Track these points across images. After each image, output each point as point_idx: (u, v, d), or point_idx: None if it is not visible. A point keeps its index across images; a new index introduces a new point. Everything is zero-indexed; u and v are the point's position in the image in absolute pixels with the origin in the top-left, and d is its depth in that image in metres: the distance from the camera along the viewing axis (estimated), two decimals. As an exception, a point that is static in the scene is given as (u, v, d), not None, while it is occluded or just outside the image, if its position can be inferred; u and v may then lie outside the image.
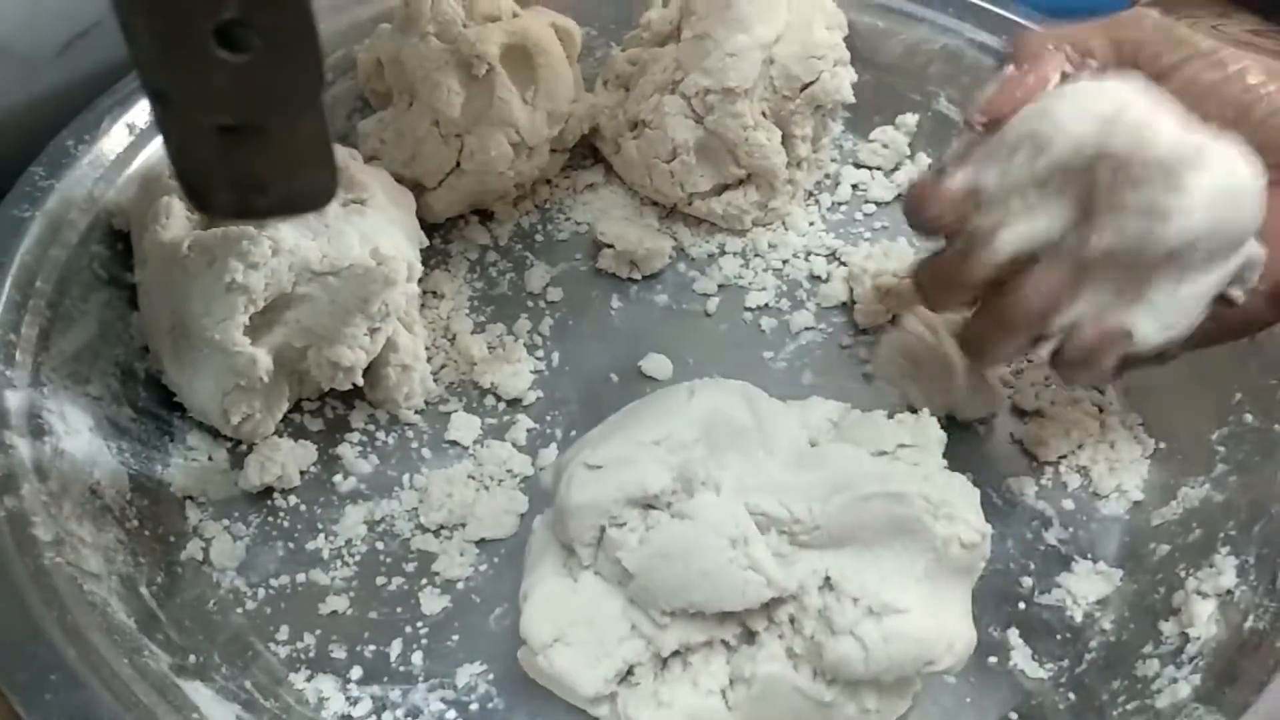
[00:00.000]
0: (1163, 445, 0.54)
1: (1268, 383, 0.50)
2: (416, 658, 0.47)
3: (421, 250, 0.56)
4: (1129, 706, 0.42)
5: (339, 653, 0.47)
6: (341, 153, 0.55)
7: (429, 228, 0.59)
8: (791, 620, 0.42)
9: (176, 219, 0.50)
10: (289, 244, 0.49)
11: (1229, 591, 0.44)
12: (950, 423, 0.56)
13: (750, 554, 0.40)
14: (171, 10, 0.26)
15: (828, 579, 0.41)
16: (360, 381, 0.53)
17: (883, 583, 0.41)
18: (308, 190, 0.31)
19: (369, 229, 0.52)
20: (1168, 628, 0.45)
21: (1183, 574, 0.46)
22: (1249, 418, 0.50)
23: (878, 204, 0.67)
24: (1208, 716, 0.39)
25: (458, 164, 0.60)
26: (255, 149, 0.28)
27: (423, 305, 0.59)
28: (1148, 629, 0.45)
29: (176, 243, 0.49)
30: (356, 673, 0.47)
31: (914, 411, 0.45)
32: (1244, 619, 0.42)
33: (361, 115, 0.63)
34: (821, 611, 0.41)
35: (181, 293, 0.49)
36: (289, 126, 0.29)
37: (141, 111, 0.57)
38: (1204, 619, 0.43)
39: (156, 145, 0.57)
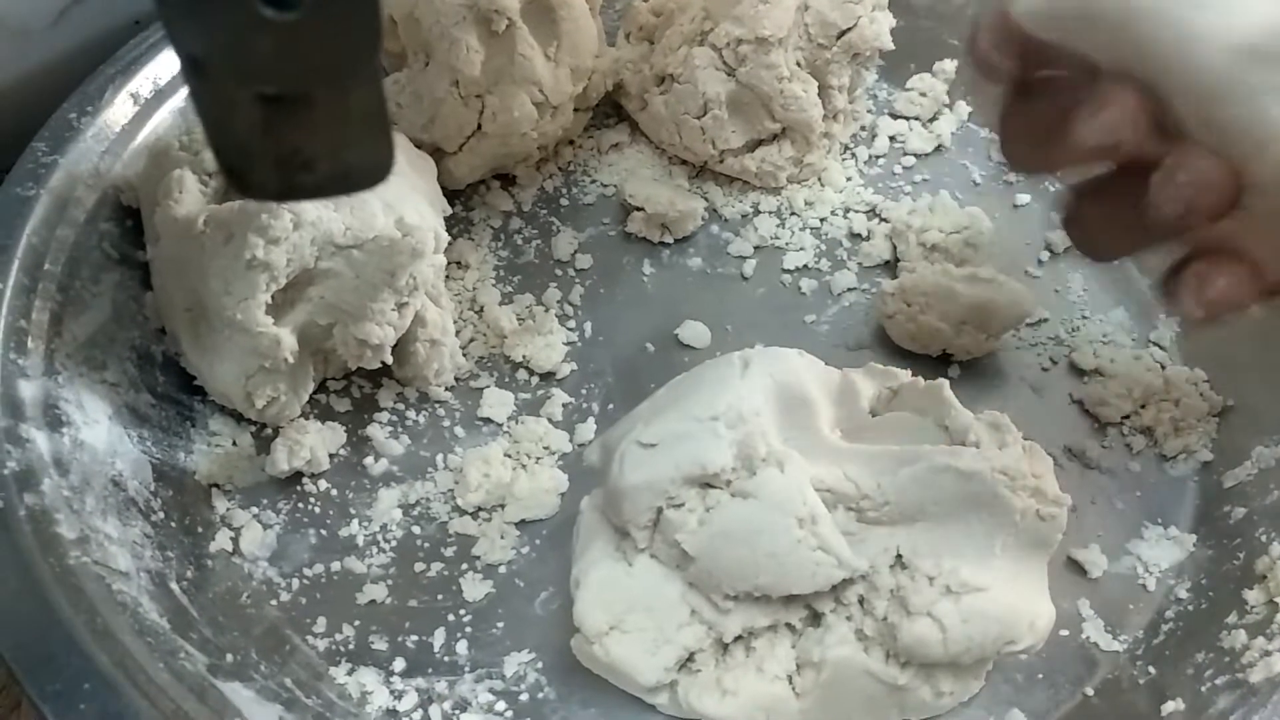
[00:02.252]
0: (1231, 403, 0.51)
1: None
2: (461, 647, 0.45)
3: (445, 219, 0.53)
4: (1219, 681, 0.40)
5: (380, 644, 0.45)
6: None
7: (450, 194, 0.56)
8: (861, 601, 0.40)
9: (190, 193, 0.47)
10: (311, 217, 0.46)
11: (1320, 557, 0.42)
12: (1005, 383, 0.54)
13: (819, 533, 0.38)
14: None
15: (899, 557, 0.39)
16: (389, 359, 0.50)
17: (959, 559, 0.38)
18: (360, 166, 0.28)
19: (393, 198, 0.49)
20: (1253, 596, 0.42)
21: (1264, 538, 0.44)
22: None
23: (917, 156, 0.64)
24: (1312, 693, 0.37)
25: (479, 126, 0.57)
26: (302, 121, 0.25)
27: (448, 277, 0.56)
28: (1230, 598, 0.43)
29: (191, 218, 0.46)
30: (400, 664, 0.45)
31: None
32: (1340, 586, 0.40)
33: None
34: (895, 591, 0.39)
35: (198, 271, 0.46)
36: (340, 95, 0.26)
37: (146, 80, 0.54)
38: (1294, 587, 0.41)
39: (163, 115, 0.54)
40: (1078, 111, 0.33)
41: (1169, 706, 0.40)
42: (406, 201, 0.49)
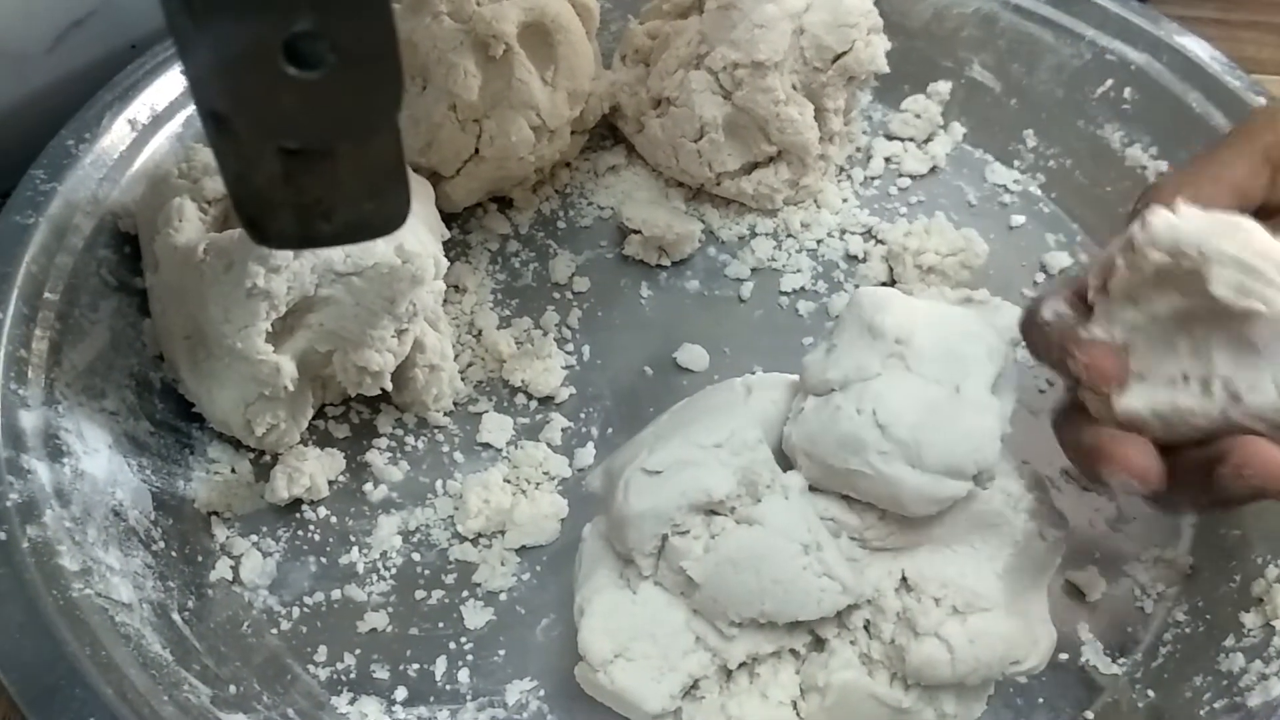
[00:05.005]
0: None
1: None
2: (463, 675, 0.45)
3: (443, 243, 0.53)
4: (1217, 705, 0.40)
5: (381, 673, 0.45)
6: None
7: (447, 218, 0.56)
8: (866, 625, 0.40)
9: (190, 221, 0.47)
10: (311, 244, 0.46)
11: (1316, 580, 0.42)
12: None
13: (824, 559, 0.38)
14: (240, 24, 0.23)
15: (904, 580, 0.39)
16: (389, 386, 0.50)
17: (964, 580, 0.39)
18: (378, 214, 0.28)
19: (392, 224, 0.49)
20: (1250, 619, 0.43)
21: (1260, 561, 0.45)
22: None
23: (912, 177, 0.65)
24: (1311, 719, 0.37)
25: (476, 150, 0.58)
26: (321, 173, 0.25)
27: (445, 301, 0.56)
28: (1228, 620, 0.43)
29: (191, 246, 0.46)
30: (401, 693, 0.44)
31: None
32: (1338, 609, 0.41)
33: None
34: (901, 614, 0.39)
35: (198, 299, 0.46)
36: (361, 148, 0.26)
37: (143, 106, 0.54)
38: (1292, 610, 0.41)
39: (161, 141, 0.54)
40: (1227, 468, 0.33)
41: (1169, 731, 0.41)
42: (406, 228, 0.49)
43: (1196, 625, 0.45)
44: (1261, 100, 0.57)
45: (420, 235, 0.50)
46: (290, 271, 0.45)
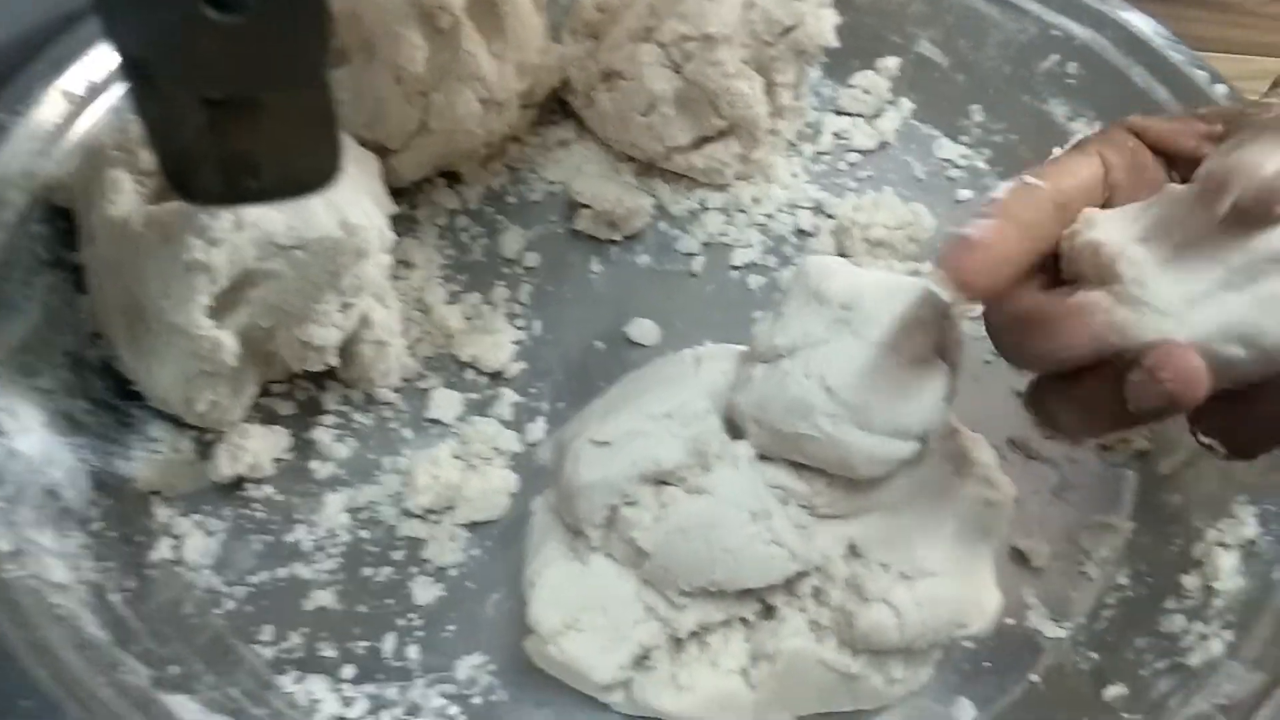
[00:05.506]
0: (1166, 392, 0.53)
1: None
2: (412, 651, 0.45)
3: (390, 217, 0.52)
4: (1159, 665, 0.41)
5: (329, 651, 0.44)
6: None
7: (394, 193, 0.55)
8: (815, 593, 0.40)
9: (126, 193, 0.46)
10: (252, 217, 0.45)
11: (1251, 542, 0.43)
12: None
13: (773, 527, 0.38)
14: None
15: (853, 547, 0.39)
16: (334, 361, 0.49)
17: (912, 546, 0.39)
18: (307, 171, 0.27)
19: (335, 197, 0.47)
20: (1189, 581, 0.44)
21: (1200, 524, 0.45)
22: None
23: (861, 152, 0.65)
24: (1247, 675, 0.38)
25: (423, 124, 0.57)
26: (248, 125, 0.25)
27: (393, 276, 0.55)
28: (1168, 583, 0.44)
29: (127, 219, 0.45)
30: (349, 671, 0.44)
31: None
32: (1270, 570, 0.41)
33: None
34: (849, 580, 0.39)
35: (135, 273, 0.45)
36: (288, 99, 0.25)
37: (77, 78, 0.52)
38: (1227, 571, 0.42)
39: (98, 114, 0.52)
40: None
41: (1111, 691, 0.41)
42: (350, 200, 0.48)
43: (1138, 589, 0.46)
44: (1203, 74, 0.58)
45: (365, 208, 0.49)
46: (231, 244, 0.44)
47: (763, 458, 0.40)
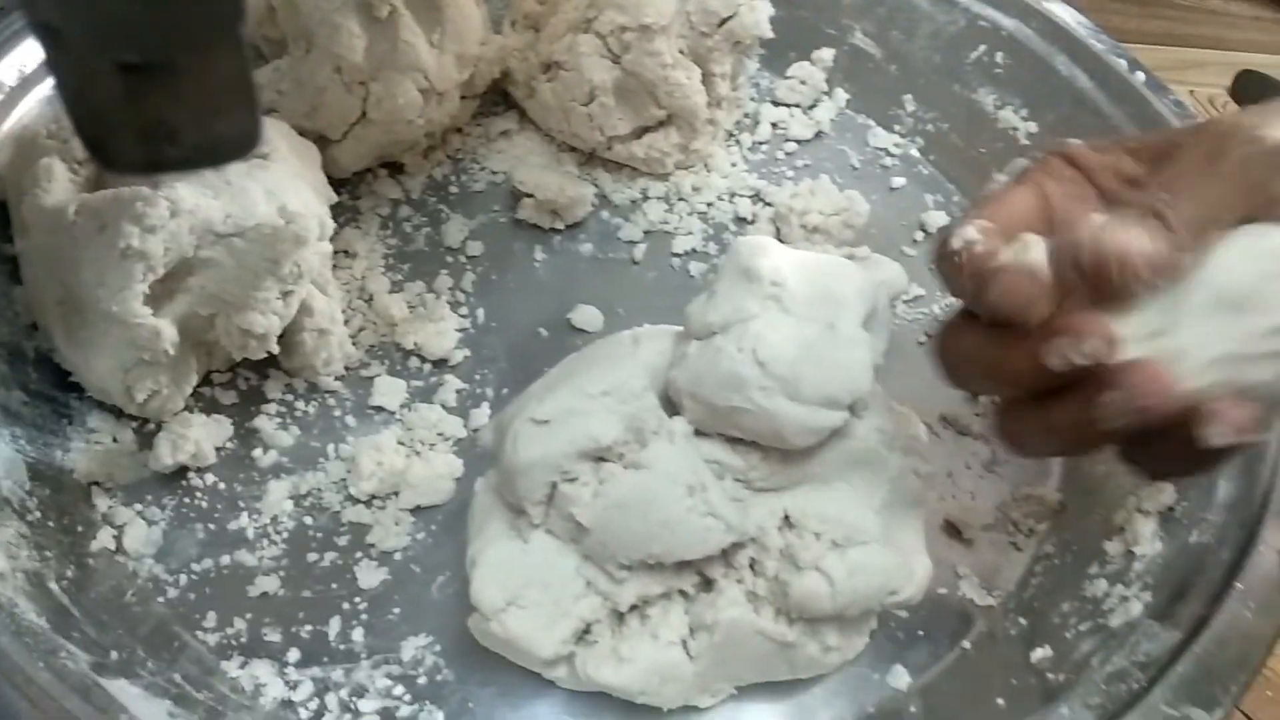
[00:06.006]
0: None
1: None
2: (357, 634, 0.45)
3: (331, 207, 0.52)
4: (1082, 628, 0.43)
5: (273, 636, 0.45)
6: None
7: (336, 183, 0.56)
8: (751, 564, 0.41)
9: (59, 182, 0.46)
10: (188, 204, 0.45)
11: (1170, 508, 0.45)
12: (886, 357, 0.56)
13: (708, 500, 0.39)
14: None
15: (787, 518, 0.41)
16: (275, 349, 0.49)
17: (842, 516, 0.40)
18: (227, 137, 0.27)
19: (274, 185, 0.48)
20: (1112, 547, 0.45)
21: (1121, 493, 0.47)
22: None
23: (799, 142, 0.66)
24: (1163, 633, 0.39)
25: (364, 114, 0.57)
26: (164, 91, 0.25)
27: (335, 266, 0.56)
28: (1092, 550, 0.46)
29: (61, 208, 0.45)
30: (294, 655, 0.44)
31: None
32: (1187, 534, 0.43)
33: (255, 66, 0.59)
34: (784, 551, 0.40)
35: (70, 263, 0.45)
36: (203, 63, 0.25)
37: (10, 67, 0.52)
38: (1147, 536, 0.44)
39: (30, 104, 0.52)
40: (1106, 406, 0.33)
41: (1038, 654, 0.43)
42: (289, 188, 0.49)
43: (1065, 556, 0.48)
44: (1123, 62, 0.60)
45: (304, 196, 0.49)
46: (167, 232, 0.44)
47: (699, 433, 0.41)
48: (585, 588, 0.41)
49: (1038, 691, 0.39)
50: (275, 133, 0.52)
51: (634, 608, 0.41)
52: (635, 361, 0.42)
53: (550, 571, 0.40)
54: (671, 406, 0.41)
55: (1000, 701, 0.40)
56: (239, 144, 0.28)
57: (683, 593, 0.42)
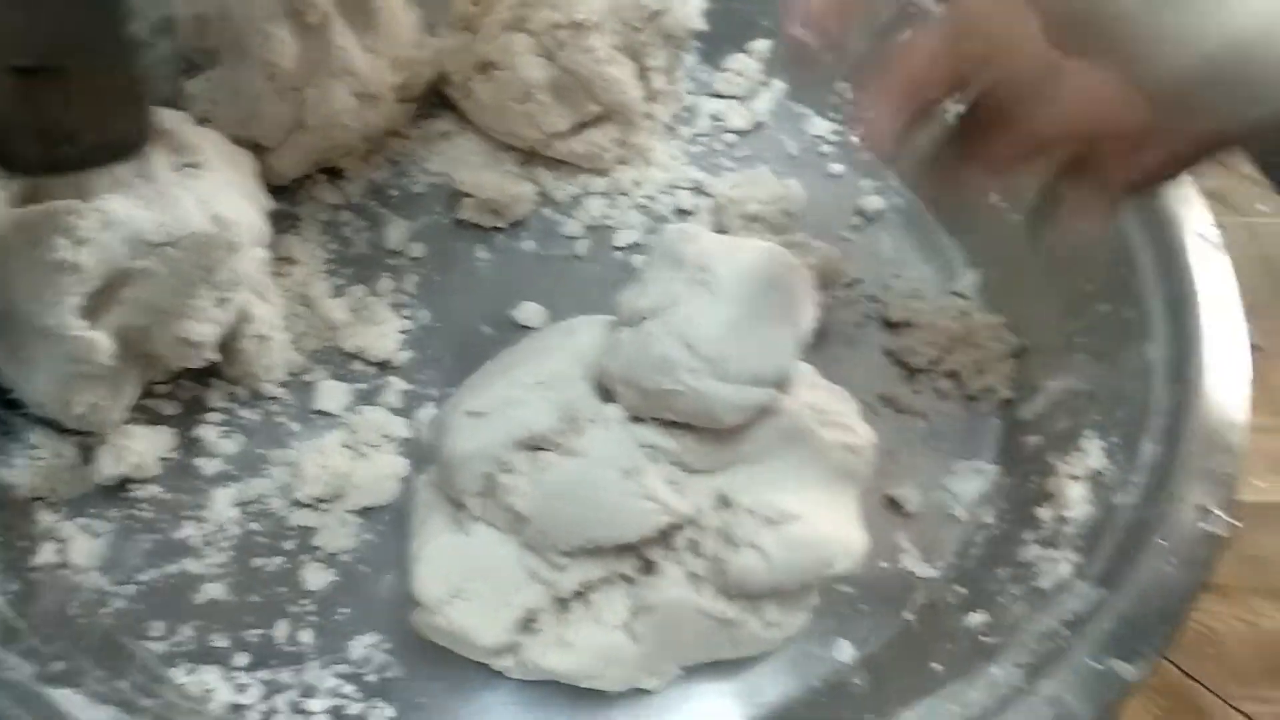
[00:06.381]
0: (1026, 343, 0.56)
1: (1118, 271, 0.52)
2: (305, 636, 0.45)
3: (269, 214, 0.53)
4: (1015, 591, 0.44)
5: (221, 641, 0.45)
6: (171, 116, 0.51)
7: (275, 190, 0.56)
8: (690, 545, 0.42)
9: (-13, 197, 0.46)
10: (120, 215, 0.45)
11: (1098, 472, 0.46)
12: (821, 340, 0.57)
13: (644, 483, 0.40)
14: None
15: (723, 498, 0.41)
16: (215, 357, 0.49)
17: (777, 493, 0.41)
18: (122, 136, 0.27)
19: (206, 193, 0.48)
20: (1044, 513, 0.46)
21: (1053, 462, 0.48)
22: (1102, 307, 0.52)
23: (738, 133, 0.67)
24: (1090, 592, 0.40)
25: (299, 120, 0.57)
26: (59, 93, 0.25)
27: (276, 273, 0.56)
28: (1027, 517, 0.47)
29: (-10, 223, 0.45)
30: (242, 659, 0.44)
31: None
32: (1113, 496, 0.44)
33: (188, 77, 0.59)
34: (720, 530, 0.41)
35: (4, 278, 0.45)
36: (94, 66, 0.25)
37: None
38: (1076, 500, 0.45)
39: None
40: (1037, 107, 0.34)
41: (974, 619, 0.44)
42: (221, 196, 0.49)
43: (1002, 526, 0.49)
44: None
45: (236, 204, 0.49)
46: (99, 243, 0.44)
47: (634, 419, 0.41)
48: (527, 577, 0.41)
49: (972, 655, 0.40)
50: (206, 141, 0.52)
51: (577, 595, 0.42)
52: (569, 351, 0.43)
53: (491, 562, 0.41)
54: (606, 394, 0.42)
55: (936, 666, 0.41)
56: (133, 142, 0.28)
57: (624, 576, 0.42)
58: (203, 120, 0.57)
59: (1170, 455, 0.43)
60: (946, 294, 0.59)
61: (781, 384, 0.40)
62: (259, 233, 0.50)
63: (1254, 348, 0.52)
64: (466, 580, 0.41)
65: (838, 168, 0.66)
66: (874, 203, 0.64)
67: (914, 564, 0.48)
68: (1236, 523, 0.40)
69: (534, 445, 0.40)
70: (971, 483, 0.51)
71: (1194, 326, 0.47)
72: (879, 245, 0.62)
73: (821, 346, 0.57)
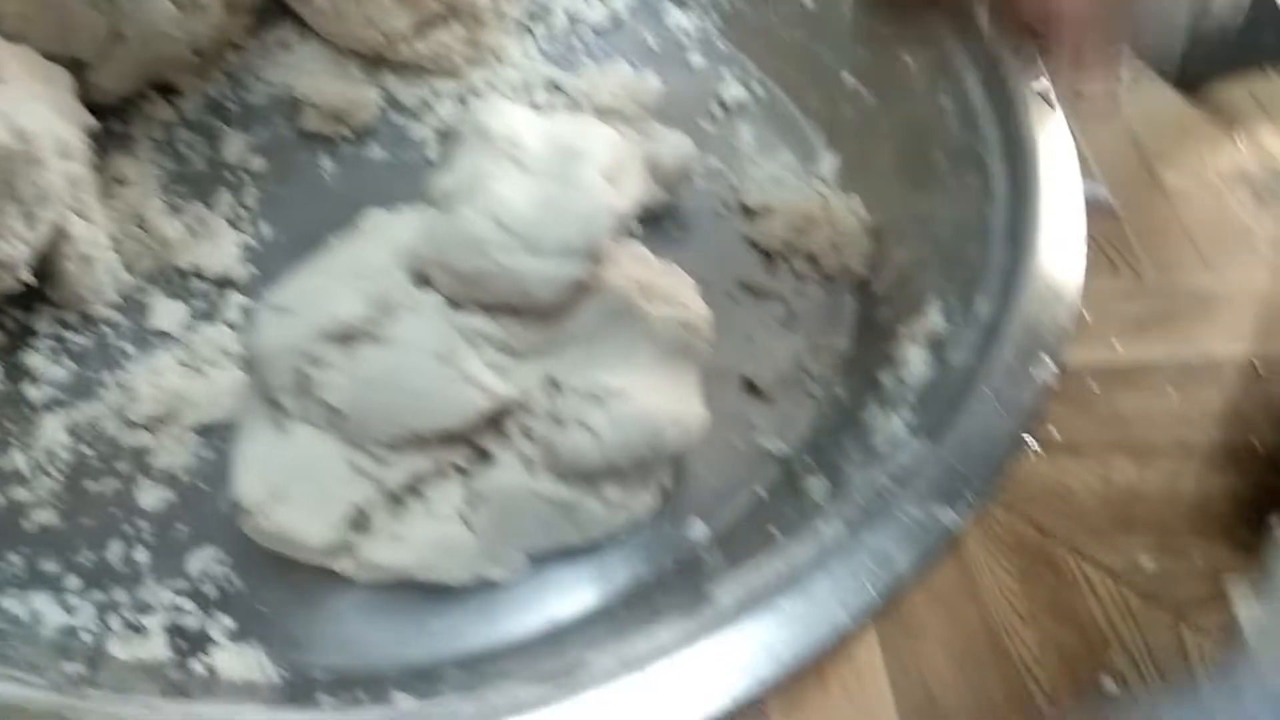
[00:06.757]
0: (880, 219, 0.55)
1: (963, 138, 0.52)
2: (140, 555, 0.44)
3: (97, 135, 0.50)
4: (855, 456, 0.43)
5: (51, 566, 0.43)
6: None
7: (105, 110, 0.53)
8: (522, 430, 0.41)
9: None
10: (-94, 130, 0.42)
11: (936, 334, 0.45)
12: (680, 230, 0.56)
13: (462, 368, 0.39)
14: None
15: (551, 380, 0.40)
16: (30, 279, 0.47)
17: (605, 372, 0.40)
18: None
19: (6, 107, 0.45)
20: (886, 378, 0.46)
21: (898, 328, 0.48)
22: (948, 177, 0.52)
23: (596, 31, 0.65)
24: (917, 445, 0.40)
25: (116, 31, 0.54)
26: None
27: (107, 194, 0.53)
28: (871, 385, 0.47)
29: None
30: (74, 583, 0.43)
31: None
32: (949, 355, 0.44)
33: (-4, -8, 0.56)
34: (550, 412, 0.40)
35: None
36: None
37: None
38: (915, 362, 0.45)
39: None
40: None
41: (815, 483, 0.44)
42: (24, 109, 0.46)
43: (850, 396, 0.48)
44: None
45: (41, 115, 0.47)
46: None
47: (454, 305, 0.40)
48: (352, 473, 0.40)
49: (807, 516, 0.40)
50: (15, 57, 0.49)
51: (411, 490, 0.41)
52: (383, 239, 0.41)
53: (313, 460, 0.40)
54: (424, 281, 0.41)
55: (774, 530, 0.41)
56: None
57: (458, 467, 0.41)
58: (14, 37, 0.54)
59: (1003, 312, 0.42)
60: (806, 179, 0.58)
61: (595, 255, 0.39)
62: (70, 148, 0.48)
63: (1111, 211, 0.52)
64: (289, 480, 0.39)
65: (697, 59, 0.64)
66: (735, 93, 0.62)
67: (769, 442, 0.48)
68: (1058, 370, 0.40)
69: (345, 336, 0.39)
70: (825, 359, 0.50)
71: (1032, 189, 0.47)
72: (739, 135, 0.61)
73: (680, 236, 0.56)
